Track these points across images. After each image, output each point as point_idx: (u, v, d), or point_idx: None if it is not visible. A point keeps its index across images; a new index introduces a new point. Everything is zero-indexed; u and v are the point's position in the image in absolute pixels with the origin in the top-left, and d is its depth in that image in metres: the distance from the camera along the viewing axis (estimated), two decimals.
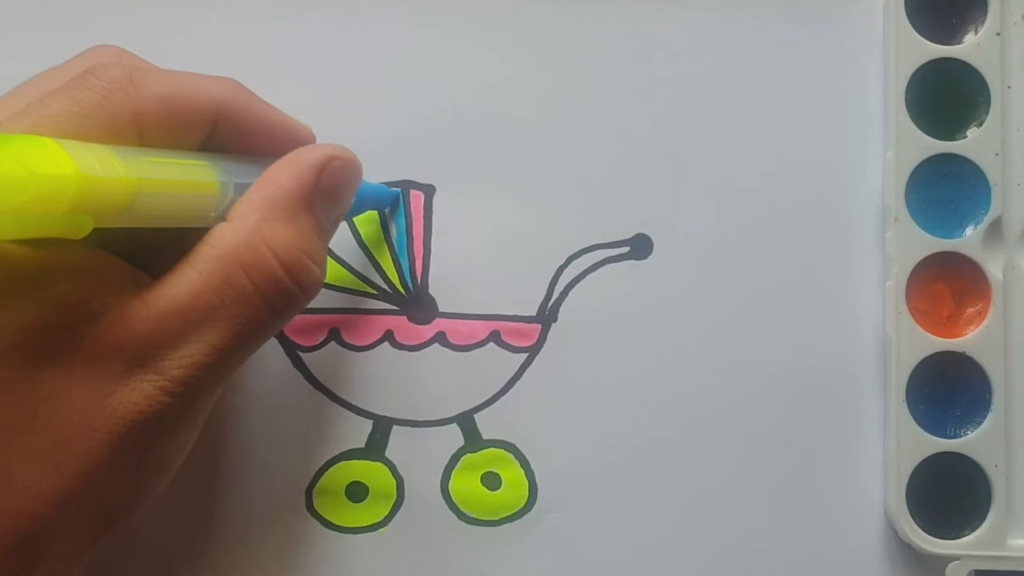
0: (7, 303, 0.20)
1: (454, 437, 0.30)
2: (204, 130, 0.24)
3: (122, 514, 0.23)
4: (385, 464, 0.30)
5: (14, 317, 0.20)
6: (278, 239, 0.23)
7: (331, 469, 0.30)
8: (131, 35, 0.27)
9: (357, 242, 0.31)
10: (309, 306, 0.30)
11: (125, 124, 0.22)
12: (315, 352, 0.30)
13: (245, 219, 0.23)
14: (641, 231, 0.31)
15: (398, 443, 0.30)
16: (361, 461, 0.30)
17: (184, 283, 0.22)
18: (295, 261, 0.23)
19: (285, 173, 0.24)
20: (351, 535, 0.30)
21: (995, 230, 0.30)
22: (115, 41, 0.26)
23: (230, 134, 0.24)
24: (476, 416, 0.30)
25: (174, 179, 0.22)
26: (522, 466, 0.30)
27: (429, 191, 0.31)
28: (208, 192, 0.23)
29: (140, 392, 0.21)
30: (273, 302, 0.23)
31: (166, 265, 0.23)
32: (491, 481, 0.30)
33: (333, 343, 0.30)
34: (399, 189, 0.31)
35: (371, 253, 0.31)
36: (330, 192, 0.24)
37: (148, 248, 0.23)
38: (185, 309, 0.22)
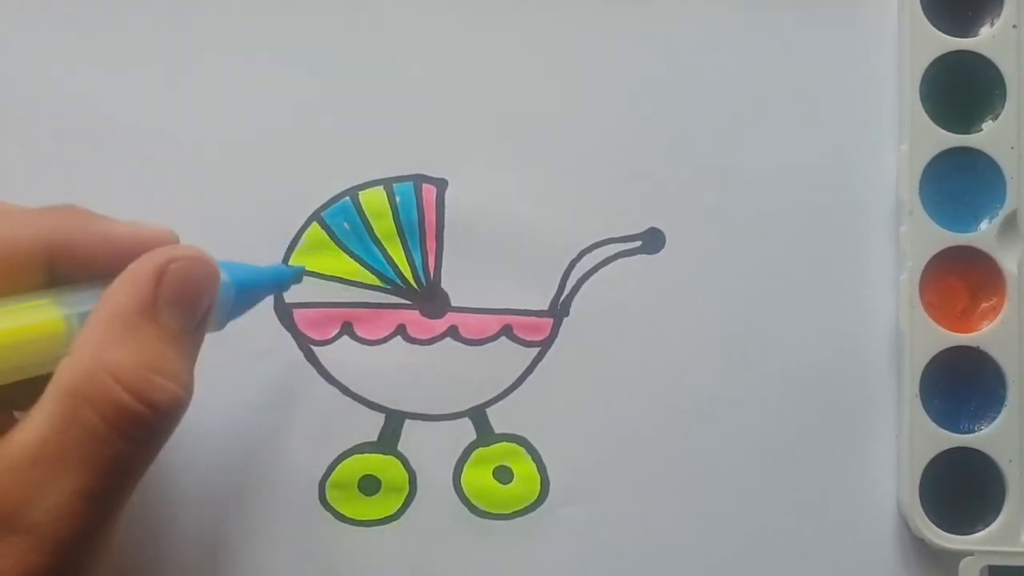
0: None
1: (466, 431, 0.30)
2: (42, 270, 0.22)
3: None
4: (397, 457, 0.30)
5: None
6: (117, 362, 0.21)
7: (344, 462, 0.30)
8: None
9: (370, 236, 0.31)
10: (322, 300, 0.30)
11: None
12: (328, 346, 0.30)
13: (82, 350, 0.21)
14: (653, 225, 0.31)
15: (410, 437, 0.30)
16: (374, 454, 0.30)
17: (32, 429, 0.20)
18: (139, 380, 0.21)
19: (121, 290, 0.22)
20: (364, 528, 0.30)
21: (1010, 224, 0.30)
22: None
23: (73, 264, 0.23)
24: (488, 410, 0.30)
25: (13, 327, 0.21)
26: (534, 460, 0.30)
27: (441, 185, 0.31)
28: (55, 331, 0.21)
29: (10, 557, 0.20)
30: (128, 432, 0.21)
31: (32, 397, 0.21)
32: (503, 475, 0.30)
33: (346, 337, 0.30)
34: (301, 267, 0.29)
35: (384, 247, 0.31)
36: (177, 296, 0.22)
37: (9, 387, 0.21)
38: (35, 457, 0.20)
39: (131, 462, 0.22)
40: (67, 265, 0.22)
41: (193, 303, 0.23)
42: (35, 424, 0.20)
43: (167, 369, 0.22)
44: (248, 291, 0.26)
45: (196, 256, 0.23)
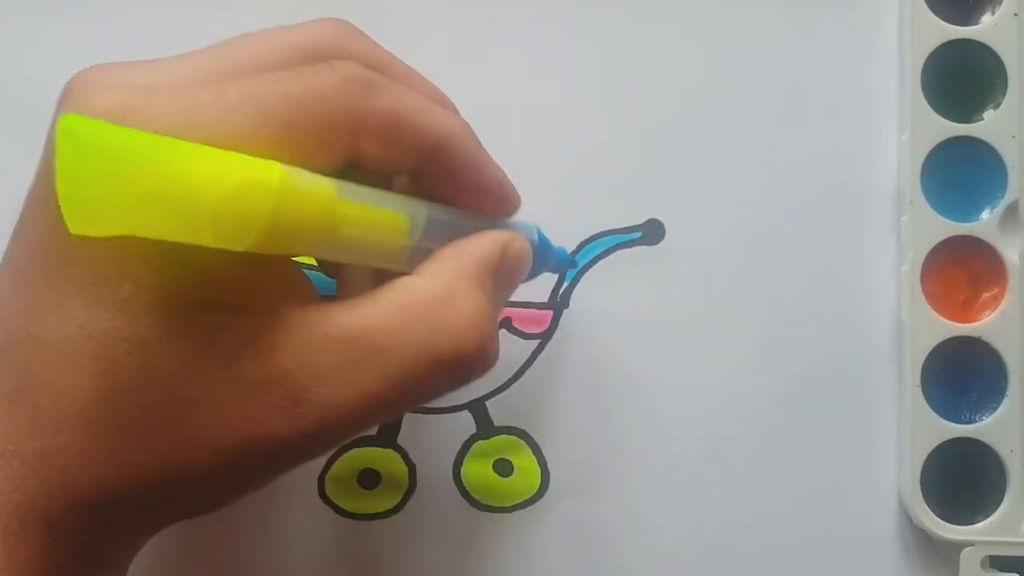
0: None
1: (466, 424, 0.30)
2: (418, 160, 0.22)
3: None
4: (397, 451, 0.30)
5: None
6: (469, 302, 0.21)
7: (343, 456, 0.30)
8: None
9: None
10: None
11: (341, 132, 0.20)
12: None
13: (438, 275, 0.21)
14: (653, 217, 0.31)
15: (410, 430, 0.30)
16: (373, 448, 0.30)
17: (357, 316, 0.20)
18: (481, 325, 0.21)
19: (477, 243, 0.23)
20: (363, 522, 0.30)
21: (1012, 214, 0.30)
22: None
23: (438, 173, 0.23)
24: (488, 403, 0.30)
25: (371, 206, 0.20)
26: (534, 453, 0.30)
27: None
28: (400, 228, 0.21)
29: (263, 411, 0.20)
30: (444, 365, 0.21)
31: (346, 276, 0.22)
32: (503, 468, 0.30)
33: None
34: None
35: None
36: (508, 273, 0.23)
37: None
38: (349, 342, 0.20)
39: (420, 393, 0.21)
40: (433, 171, 0.22)
41: (513, 284, 0.24)
42: (362, 314, 0.20)
43: (495, 330, 0.22)
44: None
45: (528, 248, 0.24)
